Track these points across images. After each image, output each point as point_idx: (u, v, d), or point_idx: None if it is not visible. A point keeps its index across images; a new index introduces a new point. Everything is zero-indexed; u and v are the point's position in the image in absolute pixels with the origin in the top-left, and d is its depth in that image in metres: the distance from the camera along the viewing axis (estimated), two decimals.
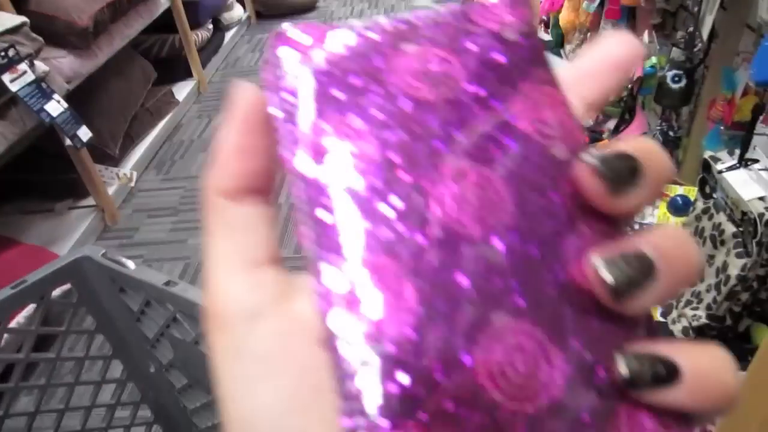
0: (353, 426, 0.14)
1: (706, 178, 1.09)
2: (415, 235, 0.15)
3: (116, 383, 0.90)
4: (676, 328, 1.10)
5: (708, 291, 1.06)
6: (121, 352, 0.85)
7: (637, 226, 1.33)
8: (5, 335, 0.72)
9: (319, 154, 0.16)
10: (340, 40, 0.18)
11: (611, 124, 1.78)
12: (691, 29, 1.25)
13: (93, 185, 2.03)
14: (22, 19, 1.64)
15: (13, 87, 1.58)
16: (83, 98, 2.07)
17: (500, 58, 0.18)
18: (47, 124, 1.72)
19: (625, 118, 1.65)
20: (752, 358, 0.62)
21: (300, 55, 0.18)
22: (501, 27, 0.18)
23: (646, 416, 0.15)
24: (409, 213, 0.15)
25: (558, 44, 2.07)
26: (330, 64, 0.18)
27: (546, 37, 2.16)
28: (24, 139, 1.78)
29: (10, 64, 1.57)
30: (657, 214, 1.40)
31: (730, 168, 1.03)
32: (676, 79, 1.33)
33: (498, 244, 0.15)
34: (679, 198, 1.38)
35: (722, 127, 1.18)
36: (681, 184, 1.45)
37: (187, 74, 3.01)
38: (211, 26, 3.34)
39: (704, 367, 0.15)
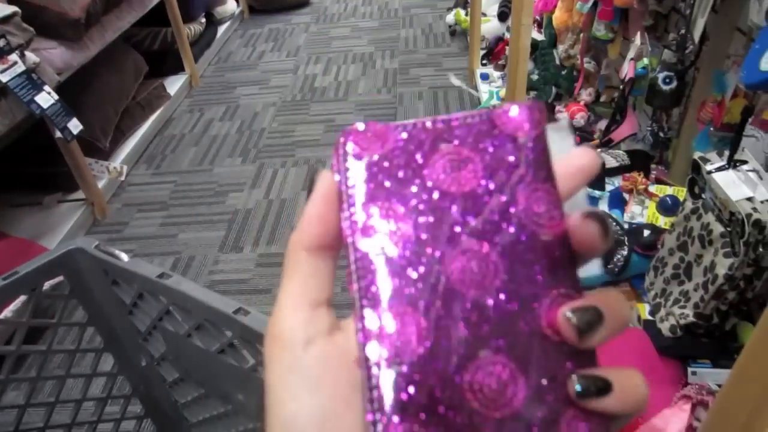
0: (373, 419, 0.20)
1: (696, 179, 1.10)
2: (430, 292, 0.22)
3: (107, 376, 0.90)
4: (664, 327, 1.11)
5: (696, 290, 1.07)
6: (113, 345, 0.85)
7: (626, 226, 1.34)
8: None
9: (367, 229, 0.23)
10: (393, 137, 0.24)
11: (602, 125, 1.79)
12: (682, 31, 1.26)
13: (83, 179, 2.02)
14: (14, 9, 1.62)
15: (3, 78, 1.57)
16: (74, 90, 2.06)
17: (512, 159, 0.24)
18: (37, 116, 1.71)
19: (616, 119, 1.66)
20: (738, 356, 0.63)
21: (361, 150, 0.24)
22: (516, 132, 0.24)
23: (581, 423, 0.21)
24: (428, 276, 0.22)
25: (551, 44, 2.08)
26: (383, 159, 0.24)
27: (539, 37, 2.17)
28: (13, 131, 1.76)
29: (0, 55, 1.55)
30: (647, 214, 1.41)
31: (719, 169, 1.04)
32: (667, 80, 1.34)
33: (489, 301, 0.22)
34: (668, 198, 1.40)
35: (712, 129, 1.19)
36: (670, 185, 1.47)
37: (179, 68, 3.00)
38: (203, 20, 3.32)
39: (626, 383, 0.22)
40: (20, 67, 1.62)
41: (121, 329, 0.82)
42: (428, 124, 0.24)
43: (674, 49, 1.32)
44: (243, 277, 1.83)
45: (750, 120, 1.02)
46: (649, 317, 1.19)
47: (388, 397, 0.21)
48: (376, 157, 0.24)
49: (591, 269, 1.32)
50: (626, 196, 1.48)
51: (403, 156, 0.24)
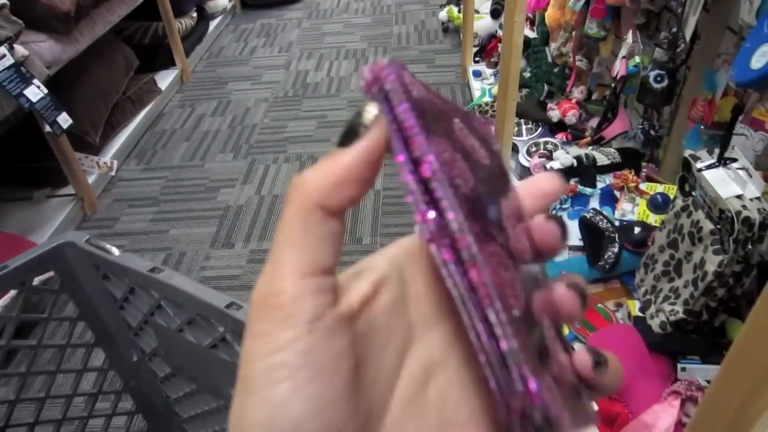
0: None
1: (686, 177, 1.11)
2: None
3: (98, 372, 0.90)
4: (654, 323, 1.12)
5: (686, 286, 1.08)
6: (104, 340, 0.84)
7: (617, 223, 1.35)
8: None
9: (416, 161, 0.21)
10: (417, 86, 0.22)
11: (594, 123, 1.80)
12: (674, 30, 1.27)
13: (72, 174, 2.00)
14: (2, 1, 1.61)
15: None
16: (63, 84, 2.04)
17: (487, 161, 0.24)
18: (26, 110, 1.69)
19: (607, 117, 1.66)
20: (727, 352, 0.63)
21: (408, 90, 0.22)
22: (488, 137, 0.25)
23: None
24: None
25: (543, 42, 2.09)
26: (423, 103, 0.22)
27: (531, 34, 2.17)
28: (2, 125, 1.75)
29: None
30: (637, 211, 1.42)
31: (710, 167, 1.04)
32: (659, 78, 1.35)
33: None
34: (659, 196, 1.41)
35: (702, 127, 1.20)
36: (661, 183, 1.48)
37: (170, 63, 2.98)
38: (195, 15, 3.30)
39: (613, 362, 0.24)
40: (9, 60, 1.60)
41: (112, 324, 0.82)
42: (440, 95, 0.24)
43: (666, 48, 1.33)
44: (234, 273, 1.83)
45: (740, 118, 1.03)
46: (640, 314, 1.20)
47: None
48: (419, 100, 0.22)
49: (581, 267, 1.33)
50: (617, 193, 1.49)
51: (436, 113, 0.22)
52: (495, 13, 2.65)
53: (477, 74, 2.57)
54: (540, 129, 1.92)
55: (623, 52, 1.53)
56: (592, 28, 1.59)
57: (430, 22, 3.52)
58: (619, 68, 1.53)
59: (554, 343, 0.24)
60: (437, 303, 0.24)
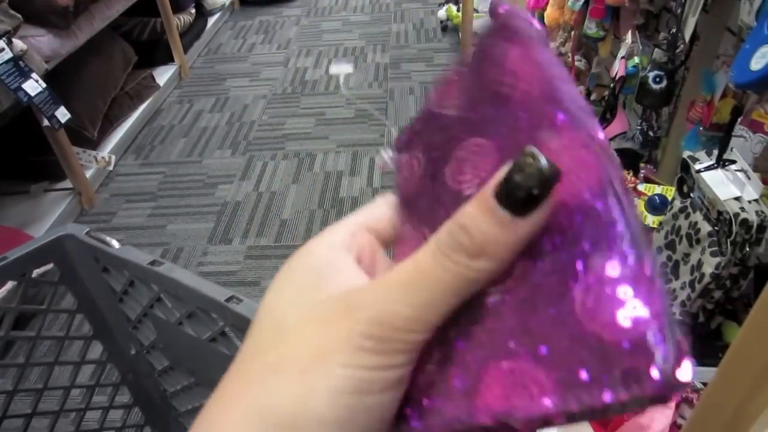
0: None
1: (684, 178, 1.11)
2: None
3: (96, 364, 0.89)
4: None
5: (683, 288, 1.08)
6: (102, 333, 0.84)
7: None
8: None
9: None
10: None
11: None
12: (673, 31, 1.28)
13: (70, 168, 2.00)
14: None
15: None
16: (62, 79, 2.03)
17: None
18: (24, 104, 1.69)
19: (606, 117, 1.67)
20: (723, 355, 0.64)
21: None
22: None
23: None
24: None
25: None
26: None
27: None
28: (0, 119, 1.74)
29: None
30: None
31: (708, 168, 1.05)
32: (658, 79, 1.35)
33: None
34: (656, 197, 1.41)
35: (701, 129, 1.21)
36: (659, 184, 1.48)
37: (168, 59, 2.98)
38: (193, 11, 3.30)
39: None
40: (7, 54, 1.60)
41: (110, 317, 0.82)
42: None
43: (665, 49, 1.33)
44: (232, 269, 1.82)
45: (739, 120, 1.03)
46: None
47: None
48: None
49: None
50: None
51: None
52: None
53: None
54: None
55: (622, 52, 1.53)
56: (591, 28, 1.60)
57: (428, 20, 3.52)
58: (617, 69, 1.54)
59: None
60: None
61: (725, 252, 0.99)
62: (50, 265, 0.75)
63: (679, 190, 1.14)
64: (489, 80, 0.24)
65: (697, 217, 1.06)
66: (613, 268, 0.18)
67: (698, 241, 1.05)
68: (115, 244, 0.71)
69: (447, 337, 0.21)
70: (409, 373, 0.21)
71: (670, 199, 1.30)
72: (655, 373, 0.17)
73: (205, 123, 2.66)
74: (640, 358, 0.17)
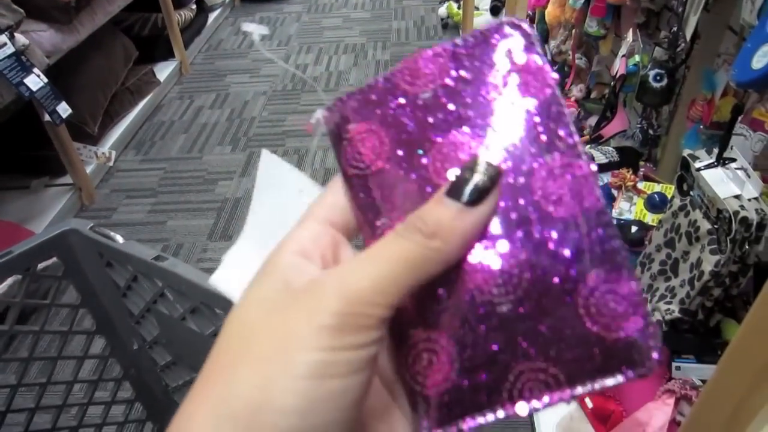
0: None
1: (684, 176, 1.12)
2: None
3: (98, 359, 0.90)
4: None
5: (682, 286, 1.08)
6: (105, 328, 0.84)
7: (614, 222, 1.36)
8: None
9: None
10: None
11: (592, 121, 1.80)
12: (674, 29, 1.28)
13: (70, 163, 2.00)
14: None
15: None
16: (63, 74, 2.03)
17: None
18: (26, 99, 1.69)
19: (606, 115, 1.67)
20: (722, 352, 0.64)
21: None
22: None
23: None
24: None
25: (543, 40, 2.09)
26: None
27: None
28: (2, 113, 1.74)
29: None
30: (635, 210, 1.43)
31: (708, 166, 1.05)
32: (658, 78, 1.35)
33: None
34: (656, 195, 1.41)
35: (701, 127, 1.21)
36: (659, 182, 1.48)
37: (169, 54, 2.97)
38: (194, 7, 3.30)
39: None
40: (9, 49, 1.60)
41: (113, 312, 0.82)
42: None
43: (666, 47, 1.33)
44: None
45: (739, 118, 1.04)
46: None
47: None
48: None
49: None
50: (615, 192, 1.50)
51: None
52: (494, 10, 2.65)
53: None
54: None
55: (623, 50, 1.53)
56: (592, 26, 1.60)
57: (429, 18, 3.52)
58: (618, 67, 1.54)
59: None
60: None
61: (725, 250, 0.99)
62: (54, 259, 0.76)
63: (679, 188, 1.14)
64: (484, 78, 0.25)
65: (697, 215, 1.06)
66: (610, 281, 0.22)
67: (698, 239, 1.06)
68: (119, 239, 0.72)
69: (464, 343, 0.23)
70: (374, 356, 0.22)
71: (669, 197, 1.31)
72: (648, 364, 0.22)
73: (206, 119, 2.66)
74: (634, 353, 0.22)
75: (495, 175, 0.23)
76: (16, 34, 1.64)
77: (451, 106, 0.25)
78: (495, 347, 0.23)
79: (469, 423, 0.23)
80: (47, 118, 1.78)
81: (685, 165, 1.11)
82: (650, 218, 1.40)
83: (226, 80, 2.99)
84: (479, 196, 0.22)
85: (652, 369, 0.22)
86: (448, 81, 0.25)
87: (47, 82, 1.72)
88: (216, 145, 2.46)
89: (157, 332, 0.80)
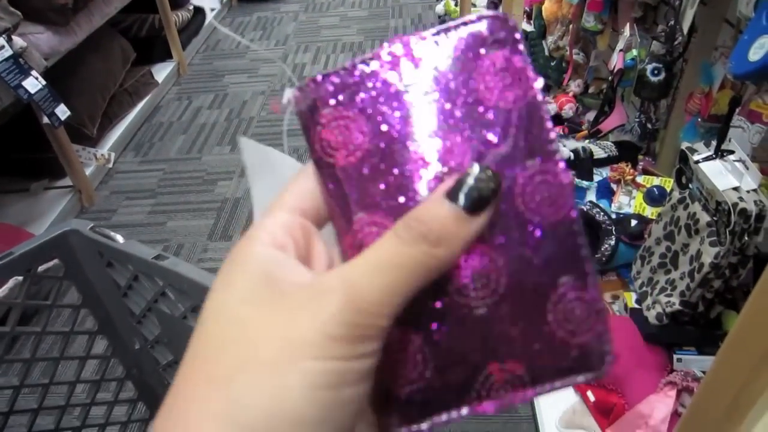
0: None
1: (683, 169, 1.12)
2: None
3: (100, 359, 0.90)
4: (651, 315, 1.13)
5: (682, 278, 1.09)
6: (107, 328, 0.85)
7: (614, 216, 1.36)
8: None
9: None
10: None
11: (591, 116, 1.81)
12: (671, 23, 1.28)
13: (70, 165, 2.00)
14: None
15: None
16: (61, 76, 2.03)
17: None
18: (25, 101, 1.69)
19: (604, 110, 1.67)
20: (722, 343, 0.64)
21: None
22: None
23: None
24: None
25: (540, 35, 2.09)
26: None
27: (528, 28, 2.17)
28: (0, 116, 1.74)
29: None
30: (634, 204, 1.43)
31: (706, 159, 1.05)
32: (656, 72, 1.35)
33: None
34: (655, 189, 1.41)
35: (699, 120, 1.21)
36: (658, 176, 1.49)
37: (166, 55, 2.97)
38: (191, 7, 3.29)
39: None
40: (7, 51, 1.60)
41: (115, 312, 0.82)
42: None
43: (663, 41, 1.33)
44: None
45: (737, 110, 1.04)
46: (636, 305, 1.21)
47: None
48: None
49: None
50: (614, 186, 1.50)
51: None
52: (492, 7, 2.65)
53: None
54: None
55: (620, 45, 1.53)
56: (589, 21, 1.60)
57: (426, 15, 3.51)
58: (616, 61, 1.54)
59: None
60: None
61: (724, 242, 0.99)
62: (55, 261, 0.76)
63: (678, 181, 1.14)
64: (468, 75, 0.24)
65: (696, 207, 1.07)
66: (577, 288, 0.23)
67: (697, 231, 1.06)
68: (119, 238, 0.72)
69: (439, 344, 0.23)
70: (376, 364, 0.21)
71: (668, 190, 1.31)
72: (602, 368, 0.23)
73: (204, 119, 2.66)
74: (592, 358, 0.23)
75: (497, 185, 0.23)
76: (13, 36, 1.65)
77: (433, 101, 0.24)
78: (469, 348, 0.23)
79: (435, 420, 0.23)
80: (46, 120, 1.78)
81: (683, 158, 1.11)
82: (650, 212, 1.40)
83: (225, 80, 2.99)
84: (482, 204, 0.22)
85: (605, 373, 0.23)
86: (431, 73, 0.24)
87: (45, 85, 1.72)
88: (215, 145, 2.46)
89: (159, 331, 0.80)
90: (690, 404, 0.75)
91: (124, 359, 0.89)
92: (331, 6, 3.81)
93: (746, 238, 0.97)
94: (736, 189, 0.99)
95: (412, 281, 0.21)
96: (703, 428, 0.68)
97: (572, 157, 1.57)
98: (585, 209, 1.34)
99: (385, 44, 0.25)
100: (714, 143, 1.06)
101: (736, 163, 1.01)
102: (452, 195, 0.22)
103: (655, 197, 1.40)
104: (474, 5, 2.74)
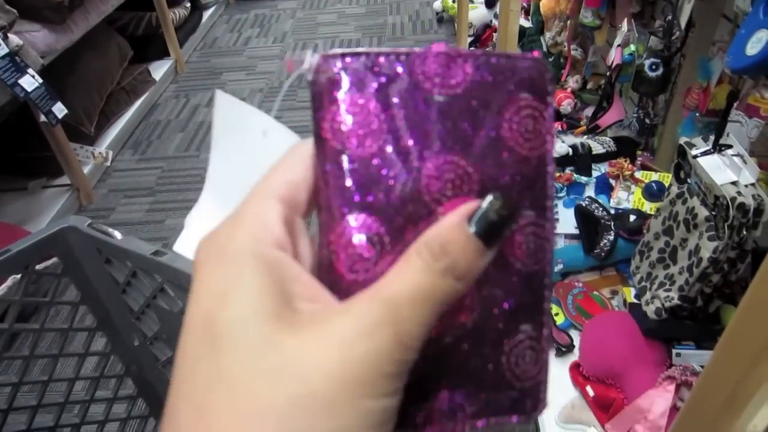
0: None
1: (681, 164, 1.12)
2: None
3: (99, 356, 0.90)
4: (650, 309, 1.13)
5: (681, 273, 1.09)
6: (106, 325, 0.85)
7: (613, 211, 1.36)
8: None
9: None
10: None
11: (589, 112, 1.81)
12: (669, 18, 1.28)
13: (68, 164, 2.00)
14: None
15: None
16: (58, 74, 2.03)
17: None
18: (21, 99, 1.68)
19: (602, 106, 1.67)
20: (720, 337, 0.64)
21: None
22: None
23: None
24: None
25: (538, 31, 2.09)
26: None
27: (526, 24, 2.17)
28: None
29: None
30: (633, 199, 1.43)
31: (705, 153, 1.05)
32: (654, 67, 1.35)
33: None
34: (654, 184, 1.41)
35: (697, 115, 1.21)
36: (656, 171, 1.49)
37: (164, 53, 2.97)
38: (188, 5, 3.29)
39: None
40: (3, 50, 1.60)
41: (113, 308, 0.82)
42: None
43: (661, 36, 1.33)
44: None
45: (735, 105, 1.04)
46: (635, 300, 1.21)
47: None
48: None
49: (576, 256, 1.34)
50: (612, 182, 1.50)
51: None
52: (489, 3, 2.65)
53: None
54: None
55: (618, 40, 1.53)
56: (587, 17, 1.60)
57: (424, 12, 3.51)
58: (614, 57, 1.54)
59: None
60: None
61: (722, 236, 1.00)
62: (54, 259, 0.76)
63: (676, 176, 1.15)
64: (498, 107, 0.24)
65: (694, 202, 1.07)
66: (533, 338, 0.24)
67: (695, 226, 1.06)
68: (117, 235, 0.72)
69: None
70: None
71: (667, 185, 1.31)
72: (534, 414, 0.25)
73: (202, 117, 2.65)
74: (528, 402, 0.25)
75: (513, 219, 0.23)
76: (9, 34, 1.64)
77: (459, 121, 0.23)
78: (426, 376, 0.23)
79: None
80: (43, 118, 1.78)
81: (681, 153, 1.11)
82: (648, 207, 1.40)
83: (222, 78, 2.99)
84: (498, 238, 0.22)
85: (535, 418, 0.27)
86: (464, 94, 0.24)
87: (42, 83, 1.71)
88: None
89: (158, 328, 0.80)
90: (688, 398, 0.75)
91: (123, 356, 0.89)
92: (328, 3, 3.80)
93: (744, 232, 0.97)
94: (734, 183, 0.99)
95: (438, 314, 0.21)
96: (701, 422, 0.68)
97: (571, 152, 1.57)
98: (584, 205, 1.34)
99: (425, 47, 0.24)
100: (712, 138, 1.06)
101: (734, 158, 1.01)
102: (476, 224, 0.21)
103: (653, 192, 1.40)
104: (472, 1, 2.73)
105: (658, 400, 1.03)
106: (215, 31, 3.54)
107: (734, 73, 0.95)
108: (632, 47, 1.52)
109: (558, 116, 1.89)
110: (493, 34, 2.44)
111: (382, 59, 0.23)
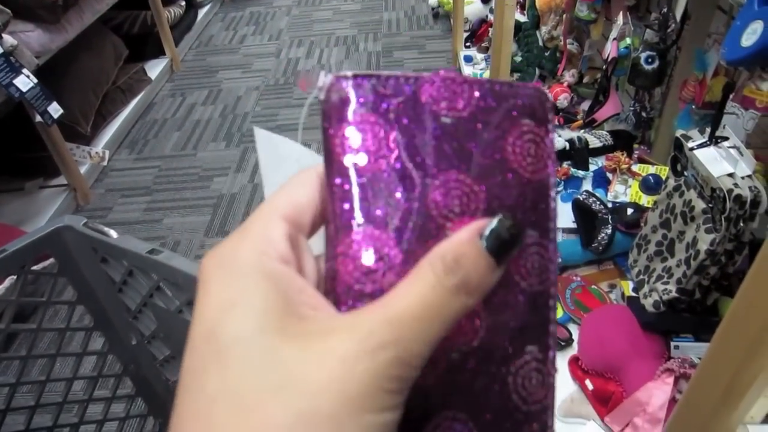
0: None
1: (678, 157, 1.12)
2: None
3: (97, 356, 0.90)
4: (648, 303, 1.13)
5: (678, 266, 1.09)
6: (103, 324, 0.84)
7: (610, 205, 1.36)
8: None
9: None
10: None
11: (586, 106, 1.80)
12: (664, 11, 1.28)
13: (64, 164, 2.00)
14: None
15: None
16: (53, 74, 2.03)
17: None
18: (16, 100, 1.68)
19: (599, 99, 1.67)
20: (718, 329, 0.64)
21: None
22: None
23: None
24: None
25: (534, 26, 2.09)
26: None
27: (522, 18, 2.17)
28: None
29: None
30: (630, 193, 1.43)
31: (701, 146, 1.05)
32: (650, 60, 1.35)
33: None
34: (651, 177, 1.41)
35: (693, 107, 1.21)
36: (653, 164, 1.49)
37: (159, 52, 2.96)
38: (183, 3, 3.28)
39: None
40: None
41: (110, 307, 0.82)
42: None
43: (656, 29, 1.33)
44: None
45: (731, 97, 1.04)
46: (633, 294, 1.21)
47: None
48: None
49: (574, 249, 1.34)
50: (609, 175, 1.50)
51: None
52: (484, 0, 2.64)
53: (468, 59, 2.57)
54: None
55: (614, 34, 1.53)
56: (582, 10, 1.60)
57: (420, 7, 3.51)
58: (609, 50, 1.54)
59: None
60: None
61: (720, 228, 0.99)
62: (51, 260, 0.76)
63: (673, 168, 1.14)
64: (502, 132, 0.25)
65: (691, 194, 1.07)
66: (539, 360, 0.24)
67: (693, 218, 1.06)
68: (113, 233, 0.72)
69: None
70: None
71: (664, 178, 1.31)
72: None
73: (199, 116, 2.65)
74: (534, 426, 0.24)
75: (521, 240, 0.23)
76: (3, 34, 1.64)
77: (466, 143, 0.24)
78: (431, 393, 0.23)
79: None
80: (38, 118, 1.78)
81: (678, 145, 1.11)
82: (645, 200, 1.40)
83: (218, 76, 2.98)
84: (508, 256, 0.22)
85: None
86: (471, 117, 0.25)
87: (37, 83, 1.71)
88: (210, 141, 2.46)
89: (155, 326, 0.80)
90: (686, 389, 0.75)
91: (121, 355, 0.89)
92: (323, 0, 3.80)
93: (741, 224, 0.97)
94: (730, 175, 0.99)
95: (443, 332, 0.21)
96: (699, 413, 0.68)
97: (568, 146, 1.57)
98: (581, 198, 1.34)
99: (433, 72, 0.25)
100: (708, 130, 1.06)
101: (731, 150, 1.01)
102: (488, 241, 0.21)
103: (650, 185, 1.40)
104: None
105: (657, 393, 1.03)
106: (210, 29, 3.53)
107: (730, 64, 0.95)
108: (628, 40, 1.51)
109: (555, 110, 1.89)
110: (489, 29, 2.44)
111: (391, 81, 0.24)
